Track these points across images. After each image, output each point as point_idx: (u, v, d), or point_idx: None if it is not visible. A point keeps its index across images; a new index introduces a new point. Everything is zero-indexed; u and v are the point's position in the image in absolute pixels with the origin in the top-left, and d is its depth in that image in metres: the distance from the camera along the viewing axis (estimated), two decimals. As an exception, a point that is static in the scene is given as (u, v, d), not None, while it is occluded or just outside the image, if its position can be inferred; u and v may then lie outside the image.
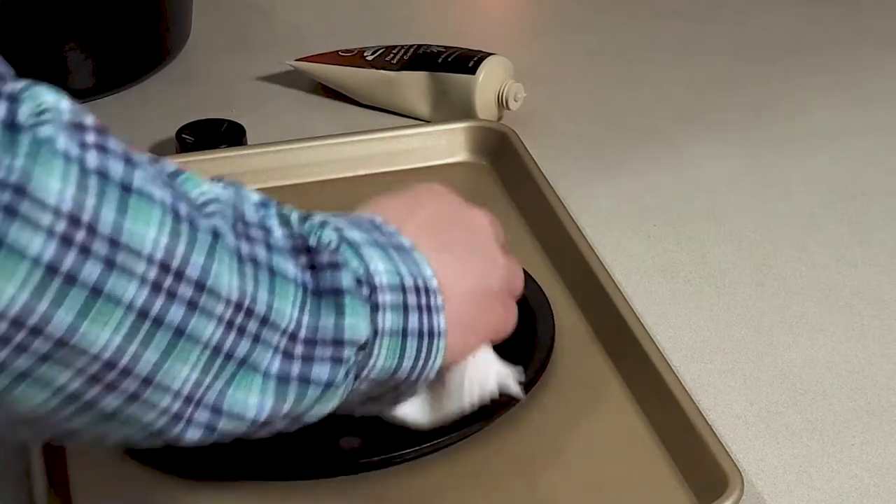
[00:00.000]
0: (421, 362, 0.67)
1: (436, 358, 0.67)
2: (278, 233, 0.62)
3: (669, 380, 0.80)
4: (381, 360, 0.65)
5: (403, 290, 0.65)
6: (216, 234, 0.57)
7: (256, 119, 1.12)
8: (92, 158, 0.53)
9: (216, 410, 0.59)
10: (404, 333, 0.65)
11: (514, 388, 0.74)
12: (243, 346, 0.59)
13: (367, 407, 0.70)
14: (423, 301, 0.66)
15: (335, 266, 0.62)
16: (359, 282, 0.63)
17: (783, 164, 1.10)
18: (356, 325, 0.62)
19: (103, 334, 0.54)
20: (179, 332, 0.56)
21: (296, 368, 0.61)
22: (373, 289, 0.64)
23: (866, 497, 0.78)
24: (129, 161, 0.54)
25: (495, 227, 0.75)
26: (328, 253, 0.62)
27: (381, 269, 0.64)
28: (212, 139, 1.07)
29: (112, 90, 1.19)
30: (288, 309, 0.60)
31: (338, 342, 0.62)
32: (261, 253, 0.60)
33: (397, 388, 0.68)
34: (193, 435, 0.59)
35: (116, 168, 0.53)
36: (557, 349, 0.85)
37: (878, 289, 0.95)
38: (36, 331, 0.52)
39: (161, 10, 1.21)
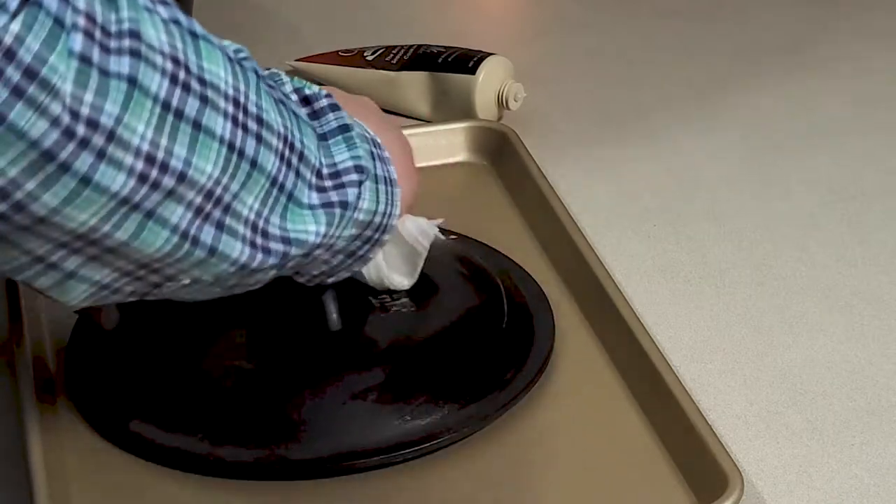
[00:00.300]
0: (389, 208, 0.74)
1: (396, 205, 0.75)
2: (287, 86, 0.69)
3: (669, 380, 0.80)
4: (366, 201, 0.72)
5: (368, 141, 0.73)
6: (258, 76, 0.64)
7: (256, 119, 1.12)
8: (163, 10, 0.59)
9: (286, 241, 0.67)
10: (377, 179, 0.73)
11: (441, 235, 0.85)
12: (290, 179, 0.66)
13: (342, 268, 0.76)
14: (381, 152, 0.74)
15: (335, 107, 0.70)
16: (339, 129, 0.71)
17: (783, 164, 1.10)
18: (366, 155, 0.71)
19: (207, 166, 0.60)
20: (254, 164, 0.63)
21: (333, 196, 0.69)
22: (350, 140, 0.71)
23: (866, 497, 0.78)
24: (184, 12, 0.60)
25: None
26: (325, 98, 0.70)
27: (352, 122, 0.72)
28: (212, 139, 1.07)
29: (112, 90, 1.18)
30: (314, 147, 0.68)
31: (358, 168, 0.70)
32: (286, 99, 0.67)
33: (370, 239, 0.75)
34: (273, 263, 0.66)
35: (182, 18, 0.60)
36: (557, 349, 0.85)
37: (878, 289, 0.95)
38: (164, 166, 0.58)
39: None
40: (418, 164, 1.04)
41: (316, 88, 0.71)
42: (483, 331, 0.84)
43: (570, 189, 1.03)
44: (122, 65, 0.55)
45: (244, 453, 0.76)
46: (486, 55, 1.12)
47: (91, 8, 0.54)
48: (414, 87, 1.14)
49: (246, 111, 0.62)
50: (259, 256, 0.66)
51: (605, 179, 1.07)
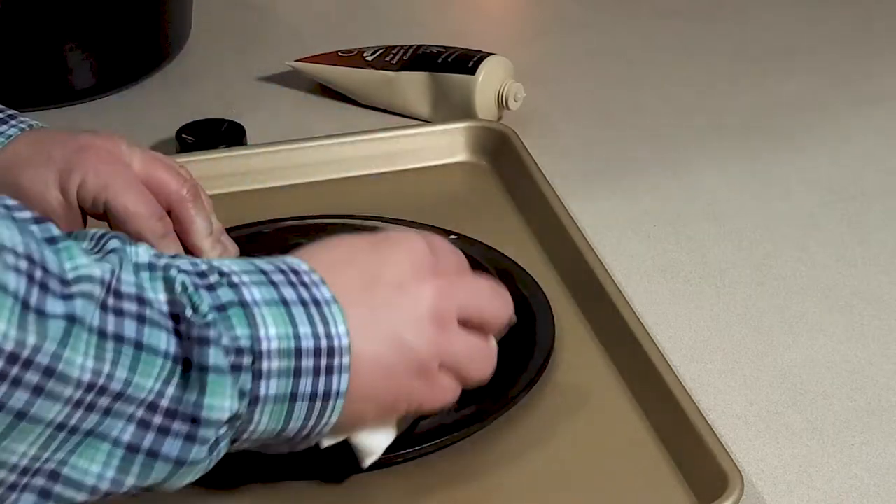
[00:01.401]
0: (312, 422, 0.66)
1: (330, 417, 0.66)
2: (158, 300, 0.61)
3: (669, 380, 0.80)
4: (263, 424, 0.64)
5: (298, 354, 0.64)
6: (72, 319, 0.57)
7: (256, 119, 1.12)
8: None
9: (53, 477, 0.59)
10: (293, 398, 0.64)
11: None
12: (91, 420, 0.58)
13: (266, 449, 0.69)
14: (324, 362, 0.65)
15: (203, 341, 0.61)
16: (238, 351, 0.62)
17: (783, 164, 1.10)
18: (217, 405, 0.61)
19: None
20: (21, 415, 0.56)
21: (147, 441, 0.60)
22: (257, 356, 0.63)
23: (866, 497, 0.78)
24: None
25: (460, 297, 0.71)
26: (199, 326, 0.61)
27: (273, 333, 0.63)
28: (212, 139, 1.07)
29: (112, 90, 1.19)
30: (149, 383, 0.60)
31: (195, 420, 0.61)
32: (129, 327, 0.59)
33: (290, 441, 0.67)
34: (25, 502, 0.59)
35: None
36: (557, 349, 0.85)
37: (878, 289, 0.95)
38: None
39: (161, 10, 1.21)
40: (418, 165, 1.06)
41: (207, 306, 0.62)
42: (483, 331, 0.84)
43: (570, 189, 1.03)
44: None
45: (244, 454, 0.76)
46: (486, 55, 1.12)
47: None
48: (414, 87, 1.14)
49: (27, 364, 0.56)
50: (11, 497, 0.59)
51: (604, 179, 1.07)
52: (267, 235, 0.93)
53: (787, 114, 1.17)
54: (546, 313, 0.87)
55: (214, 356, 0.61)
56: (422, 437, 0.77)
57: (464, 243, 0.93)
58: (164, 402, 0.60)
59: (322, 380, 0.65)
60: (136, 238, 0.79)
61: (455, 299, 0.70)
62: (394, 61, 1.15)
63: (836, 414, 0.84)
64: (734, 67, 1.24)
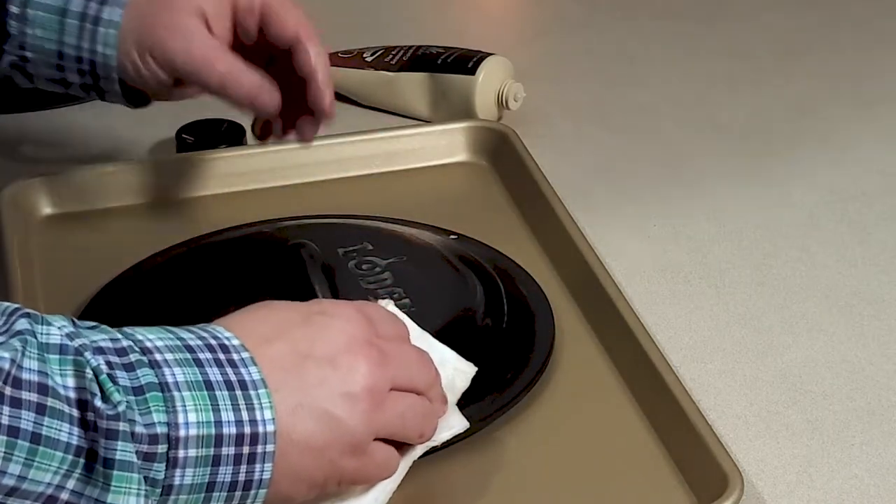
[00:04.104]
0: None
1: None
2: (64, 385, 0.59)
3: (669, 380, 0.80)
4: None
5: (219, 441, 0.62)
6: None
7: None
8: None
9: None
10: (210, 487, 0.62)
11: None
12: None
13: None
14: (247, 450, 0.62)
15: (111, 434, 0.59)
16: (153, 438, 0.60)
17: (783, 164, 1.10)
18: (121, 502, 0.59)
19: None
20: None
21: None
22: (172, 443, 0.60)
23: (866, 497, 0.78)
24: None
25: (393, 366, 0.68)
26: (107, 418, 0.59)
27: (192, 420, 0.61)
28: (212, 139, 1.07)
29: (112, 90, 1.18)
30: (47, 477, 0.58)
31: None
32: (26, 419, 0.57)
33: None
34: None
35: None
36: (557, 349, 0.85)
37: (878, 289, 0.95)
38: None
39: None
40: (418, 165, 1.06)
41: (118, 396, 0.59)
42: (483, 331, 0.84)
43: (570, 189, 1.03)
44: None
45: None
46: (485, 55, 1.12)
47: None
48: (413, 88, 1.14)
49: None
50: None
51: (605, 179, 1.07)
52: (267, 235, 0.93)
53: (787, 114, 1.17)
54: (546, 313, 0.87)
55: (122, 451, 0.59)
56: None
57: (464, 243, 0.93)
58: (64, 496, 0.59)
59: (243, 468, 0.62)
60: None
61: (389, 369, 0.68)
62: (393, 62, 1.15)
63: (836, 414, 0.84)
64: (734, 68, 1.24)
